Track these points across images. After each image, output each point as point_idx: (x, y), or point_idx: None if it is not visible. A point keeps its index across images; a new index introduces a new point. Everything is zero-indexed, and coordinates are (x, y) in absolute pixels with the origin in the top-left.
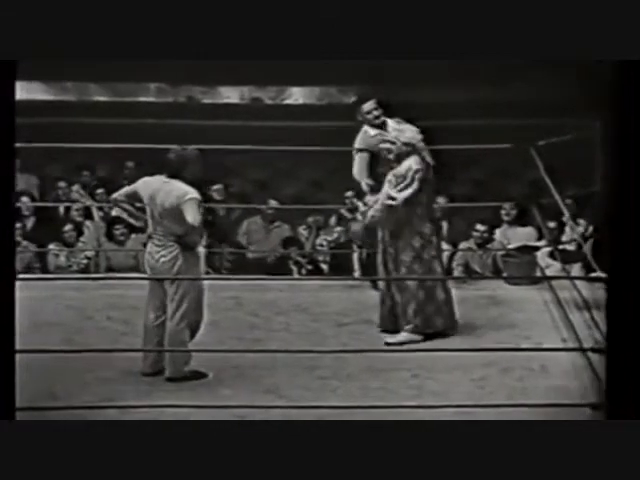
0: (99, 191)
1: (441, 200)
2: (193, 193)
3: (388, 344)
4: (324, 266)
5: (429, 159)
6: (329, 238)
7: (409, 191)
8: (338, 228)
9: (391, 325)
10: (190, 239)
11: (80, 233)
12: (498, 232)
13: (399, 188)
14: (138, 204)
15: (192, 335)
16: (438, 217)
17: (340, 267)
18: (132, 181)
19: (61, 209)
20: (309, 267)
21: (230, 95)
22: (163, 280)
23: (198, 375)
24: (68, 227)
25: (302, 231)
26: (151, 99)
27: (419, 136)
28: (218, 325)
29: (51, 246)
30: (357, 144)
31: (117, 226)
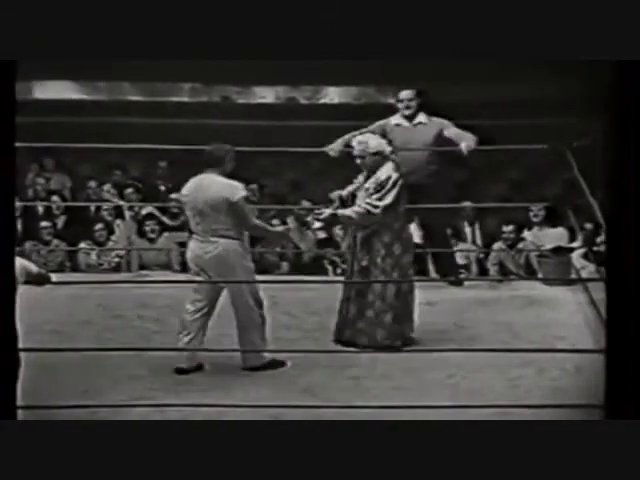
0: (129, 190)
1: (467, 203)
2: (243, 191)
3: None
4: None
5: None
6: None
7: (389, 199)
8: None
9: (347, 335)
10: (235, 232)
11: (111, 232)
12: (529, 234)
13: (378, 196)
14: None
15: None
16: (468, 217)
17: None
18: (165, 180)
19: (92, 208)
20: (344, 267)
21: (265, 95)
22: (209, 276)
23: (276, 364)
24: (99, 226)
25: (337, 231)
26: (185, 99)
27: (384, 142)
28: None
29: (82, 245)
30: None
31: (148, 222)
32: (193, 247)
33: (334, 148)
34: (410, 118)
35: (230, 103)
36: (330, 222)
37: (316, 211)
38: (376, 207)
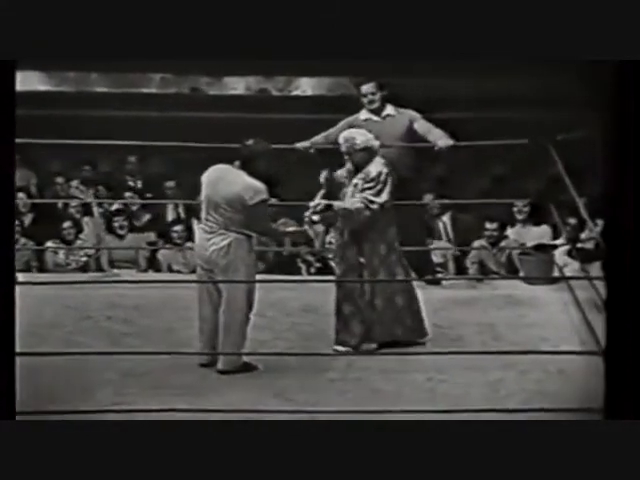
0: (100, 187)
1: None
2: (262, 193)
3: (336, 352)
4: (334, 265)
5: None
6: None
7: (385, 196)
8: None
9: (348, 337)
10: (246, 230)
11: (79, 230)
12: (512, 231)
13: (373, 192)
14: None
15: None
16: (437, 213)
17: None
18: (135, 176)
19: (59, 205)
20: (318, 265)
21: (236, 86)
22: (212, 270)
23: (249, 367)
24: (67, 224)
25: (309, 228)
26: (153, 90)
27: (372, 137)
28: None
29: (49, 243)
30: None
31: (116, 218)
32: (199, 240)
33: (313, 144)
34: (377, 112)
35: (200, 94)
36: (327, 216)
37: (312, 204)
38: (373, 203)
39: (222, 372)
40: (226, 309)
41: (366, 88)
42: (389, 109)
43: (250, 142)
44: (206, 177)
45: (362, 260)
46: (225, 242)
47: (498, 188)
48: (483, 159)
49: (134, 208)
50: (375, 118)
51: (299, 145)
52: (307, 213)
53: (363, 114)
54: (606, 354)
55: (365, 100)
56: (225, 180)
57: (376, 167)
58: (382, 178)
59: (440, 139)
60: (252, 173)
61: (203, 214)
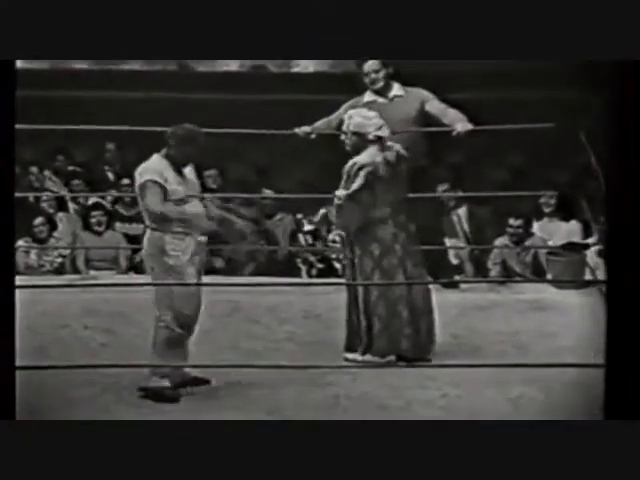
0: (76, 182)
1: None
2: (149, 174)
3: (346, 359)
4: (338, 265)
5: (392, 153)
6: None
7: (352, 189)
8: None
9: (357, 344)
10: (158, 225)
11: (53, 227)
12: (537, 226)
13: (342, 184)
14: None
15: (173, 343)
16: (452, 207)
17: None
18: (113, 166)
19: (31, 199)
20: (320, 266)
21: (229, 62)
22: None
23: (198, 381)
24: (39, 220)
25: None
26: (136, 67)
27: (374, 122)
28: (211, 334)
29: (20, 242)
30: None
31: (94, 213)
32: None
33: (314, 129)
34: (383, 92)
35: (189, 72)
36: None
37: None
38: (337, 197)
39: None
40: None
41: (368, 66)
42: (396, 89)
43: (174, 128)
44: None
45: (355, 261)
46: (147, 240)
47: (519, 179)
48: (502, 146)
49: (126, 198)
50: (381, 100)
51: (299, 130)
52: (331, 236)
53: (367, 96)
54: (607, 353)
55: (368, 80)
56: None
57: (362, 157)
58: (353, 170)
59: (458, 122)
60: (175, 162)
61: None
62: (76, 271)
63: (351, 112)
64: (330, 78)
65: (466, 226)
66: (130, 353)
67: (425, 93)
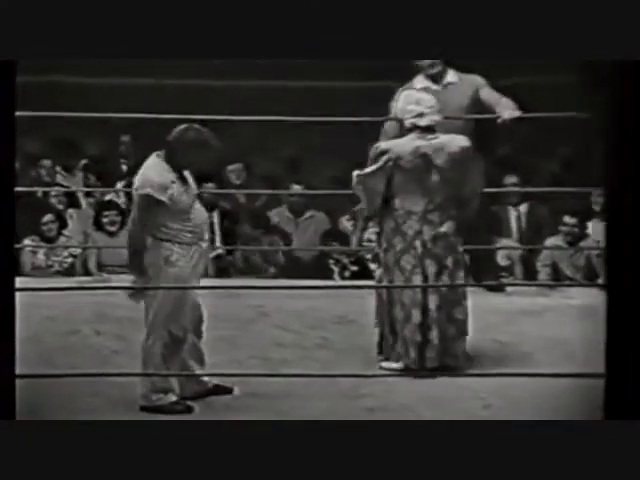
0: (89, 176)
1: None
2: (146, 188)
3: (381, 368)
4: (374, 267)
5: (431, 145)
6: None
7: (364, 171)
8: None
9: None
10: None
11: (62, 225)
12: (590, 226)
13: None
14: None
15: (169, 355)
16: (515, 203)
17: None
18: (128, 159)
19: (39, 194)
20: (354, 268)
21: None
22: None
23: (218, 390)
24: (47, 217)
25: (345, 222)
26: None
27: (415, 109)
28: (236, 342)
29: (26, 241)
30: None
31: (106, 212)
32: None
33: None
34: (437, 78)
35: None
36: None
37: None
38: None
39: (142, 409)
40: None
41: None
42: (451, 75)
43: (180, 129)
44: None
45: (381, 255)
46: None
47: (568, 173)
48: (549, 136)
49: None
50: (434, 87)
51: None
52: (367, 235)
53: (419, 81)
54: (607, 352)
55: (425, 63)
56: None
57: (385, 144)
58: (374, 154)
59: (507, 110)
60: (178, 167)
61: None
62: (87, 272)
63: (405, 92)
64: (357, 64)
65: (524, 225)
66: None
67: (479, 80)
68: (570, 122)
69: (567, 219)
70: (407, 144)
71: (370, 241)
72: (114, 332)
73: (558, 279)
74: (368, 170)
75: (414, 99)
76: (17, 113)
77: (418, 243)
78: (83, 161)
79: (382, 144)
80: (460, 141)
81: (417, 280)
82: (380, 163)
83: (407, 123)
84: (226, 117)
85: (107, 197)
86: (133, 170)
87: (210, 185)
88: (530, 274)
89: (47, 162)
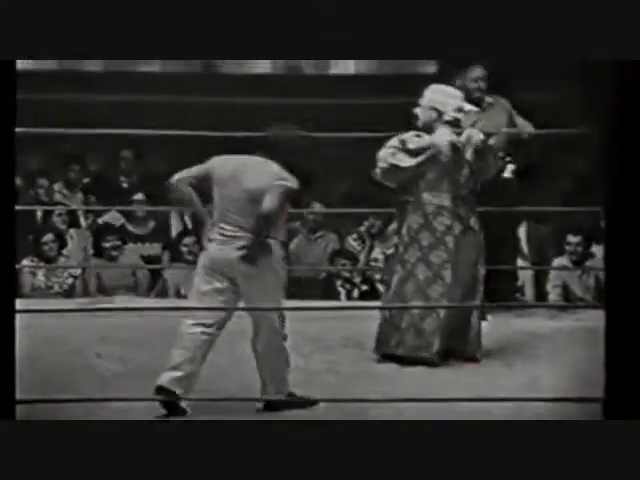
0: (88, 195)
1: None
2: (288, 180)
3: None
4: (381, 287)
5: (462, 138)
6: (388, 251)
7: (410, 162)
8: None
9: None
10: (262, 231)
11: (62, 245)
12: (599, 248)
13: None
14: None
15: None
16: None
17: None
18: (130, 176)
19: (39, 214)
20: (363, 288)
21: (259, 64)
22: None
23: (305, 402)
24: (48, 237)
25: (352, 242)
26: (155, 69)
27: (455, 103)
28: (240, 364)
29: (25, 262)
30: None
31: (108, 237)
32: (212, 242)
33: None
34: (477, 101)
35: (214, 74)
36: None
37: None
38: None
39: (269, 408)
40: (260, 331)
41: (477, 72)
42: (487, 97)
43: (276, 127)
44: (220, 168)
45: (400, 248)
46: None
47: (580, 191)
48: (556, 153)
49: (139, 214)
50: (475, 108)
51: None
52: (374, 254)
53: (467, 105)
54: (607, 351)
55: (473, 86)
56: (252, 170)
57: (429, 137)
58: (420, 144)
59: (525, 127)
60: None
61: (216, 218)
62: (88, 294)
63: (434, 87)
64: (372, 80)
65: (525, 245)
66: (147, 383)
67: (508, 104)
68: (577, 139)
69: (570, 238)
70: (443, 138)
71: (377, 260)
72: (116, 354)
73: (569, 300)
74: (410, 163)
75: (451, 92)
76: (17, 129)
77: (449, 238)
78: (85, 180)
79: (425, 138)
80: (478, 134)
81: (447, 275)
82: (423, 157)
83: (447, 116)
84: (229, 133)
85: (101, 219)
86: (134, 188)
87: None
88: (540, 295)
89: (44, 181)
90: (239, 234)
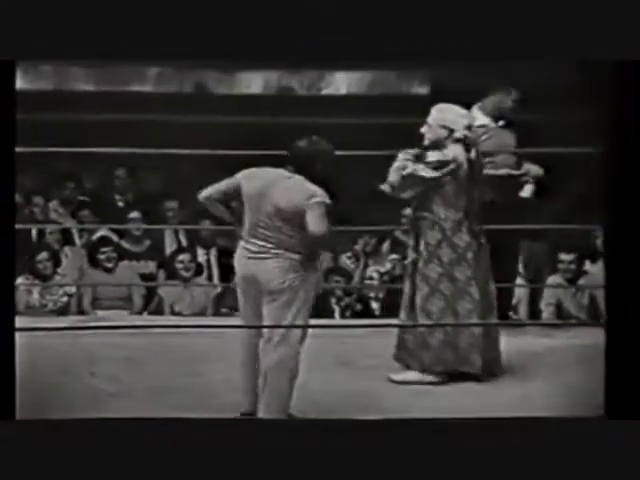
0: (84, 213)
1: None
2: (322, 196)
3: (392, 381)
4: (375, 305)
5: (474, 154)
6: (382, 269)
7: (434, 173)
8: (393, 256)
9: (406, 357)
10: (306, 250)
11: (57, 263)
12: (593, 267)
13: (433, 167)
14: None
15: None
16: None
17: (396, 307)
18: (124, 194)
19: (34, 232)
20: (357, 307)
21: (251, 83)
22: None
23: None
24: (42, 255)
25: (346, 260)
26: (148, 88)
27: (465, 122)
28: (230, 384)
29: (20, 280)
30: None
31: (103, 249)
32: (241, 256)
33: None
34: (508, 122)
35: (206, 94)
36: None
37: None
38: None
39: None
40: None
41: (515, 95)
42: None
43: (304, 142)
44: (249, 183)
45: (420, 264)
46: (281, 265)
47: (574, 210)
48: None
49: (135, 232)
50: (493, 124)
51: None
52: (368, 272)
53: (480, 117)
54: (607, 353)
55: (504, 106)
56: (281, 187)
57: (448, 152)
58: (436, 161)
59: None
60: (307, 178)
61: (246, 231)
62: (82, 311)
63: (441, 106)
64: (364, 100)
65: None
66: (143, 404)
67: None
68: (571, 158)
69: (563, 256)
70: (461, 154)
71: (371, 279)
72: (111, 373)
73: (562, 318)
74: (433, 174)
75: (460, 111)
76: (17, 149)
77: (470, 255)
78: (80, 197)
79: (446, 152)
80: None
81: (474, 292)
82: (446, 169)
83: (458, 134)
84: (226, 151)
85: (99, 233)
86: (129, 206)
87: (207, 222)
88: (534, 313)
89: (39, 199)
90: (269, 249)
